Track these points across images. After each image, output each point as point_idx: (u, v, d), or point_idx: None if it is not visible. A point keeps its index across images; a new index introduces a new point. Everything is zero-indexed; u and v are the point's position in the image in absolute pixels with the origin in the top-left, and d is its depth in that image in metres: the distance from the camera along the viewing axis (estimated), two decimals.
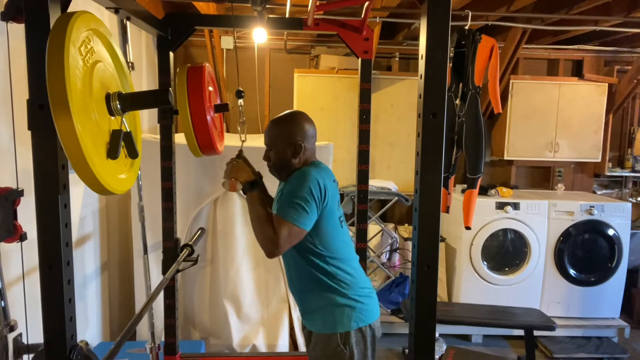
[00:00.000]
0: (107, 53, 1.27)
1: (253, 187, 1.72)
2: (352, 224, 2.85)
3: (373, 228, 4.10)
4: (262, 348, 3.14)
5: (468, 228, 2.75)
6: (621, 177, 4.77)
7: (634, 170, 4.64)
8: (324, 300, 1.72)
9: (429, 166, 1.16)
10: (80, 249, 2.67)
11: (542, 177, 4.81)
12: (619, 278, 3.82)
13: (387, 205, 4.00)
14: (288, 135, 1.73)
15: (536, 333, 2.72)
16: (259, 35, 3.93)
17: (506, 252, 3.87)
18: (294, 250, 1.69)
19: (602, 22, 3.34)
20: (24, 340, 1.55)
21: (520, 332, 2.55)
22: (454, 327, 3.73)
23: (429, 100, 1.14)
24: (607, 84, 4.29)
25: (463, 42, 2.63)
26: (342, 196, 4.02)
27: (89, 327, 2.84)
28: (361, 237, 2.55)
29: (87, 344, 1.38)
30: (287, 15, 2.67)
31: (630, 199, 4.66)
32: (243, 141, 1.91)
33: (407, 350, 3.48)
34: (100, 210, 2.94)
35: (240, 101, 1.99)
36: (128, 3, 1.70)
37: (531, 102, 4.27)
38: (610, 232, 3.77)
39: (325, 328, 1.72)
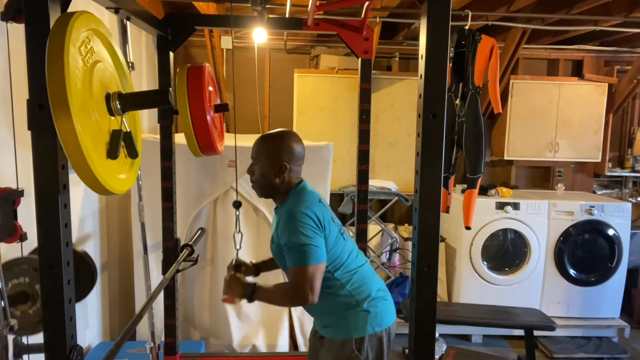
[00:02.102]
0: (107, 53, 1.27)
1: (253, 291, 1.70)
2: (352, 224, 2.85)
3: (373, 228, 4.10)
4: (262, 348, 3.14)
5: (468, 228, 2.75)
6: (621, 177, 4.77)
7: (634, 170, 4.64)
8: (338, 311, 1.72)
9: (429, 166, 1.16)
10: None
11: (542, 177, 4.81)
12: (619, 278, 3.82)
13: (387, 205, 4.01)
14: (275, 153, 1.71)
15: (536, 333, 2.72)
16: (259, 35, 3.93)
17: (506, 252, 3.87)
18: None
19: (602, 22, 3.34)
20: (24, 340, 1.55)
21: (520, 332, 2.55)
22: (454, 327, 3.73)
23: (429, 100, 1.14)
24: (607, 84, 4.29)
25: (463, 42, 2.63)
26: (342, 196, 4.02)
27: (89, 327, 2.84)
28: (361, 237, 2.55)
29: (84, 251, 1.41)
30: (287, 15, 2.67)
31: (630, 199, 4.66)
32: (238, 249, 1.91)
33: (407, 350, 3.48)
34: (100, 210, 2.94)
35: (237, 211, 1.99)
36: (128, 3, 1.70)
37: (531, 102, 4.27)
38: (610, 232, 3.76)
39: (339, 334, 1.71)
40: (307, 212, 1.62)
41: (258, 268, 2.01)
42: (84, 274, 1.48)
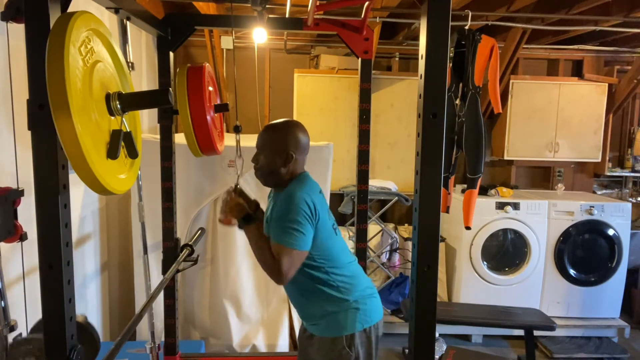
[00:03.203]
0: (107, 53, 1.27)
1: (248, 221, 1.70)
2: (352, 224, 2.84)
3: (373, 228, 4.10)
4: (262, 348, 3.14)
5: (468, 228, 2.75)
6: (621, 177, 4.77)
7: (634, 170, 4.64)
8: (327, 307, 1.72)
9: (429, 166, 1.16)
10: (80, 249, 2.67)
11: (542, 177, 4.81)
12: (619, 278, 3.82)
13: (387, 205, 4.00)
14: (281, 143, 1.72)
15: (536, 333, 2.72)
16: (259, 35, 3.93)
17: (506, 252, 3.87)
18: None
19: (602, 22, 3.34)
20: None
21: (520, 332, 2.55)
22: (454, 327, 3.73)
23: (429, 100, 1.14)
24: (607, 84, 4.29)
25: (463, 42, 2.63)
26: (341, 196, 4.02)
27: None
28: (361, 237, 2.55)
29: (85, 317, 1.41)
30: (287, 15, 2.67)
31: (630, 199, 4.66)
32: (239, 175, 1.90)
33: (407, 350, 3.48)
34: (100, 210, 2.94)
35: (238, 136, 1.98)
36: (128, 3, 1.70)
37: (531, 102, 4.27)
38: (610, 232, 3.76)
39: (329, 332, 1.72)
40: (306, 198, 1.63)
41: (257, 206, 1.97)
42: (86, 346, 1.46)
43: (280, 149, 1.71)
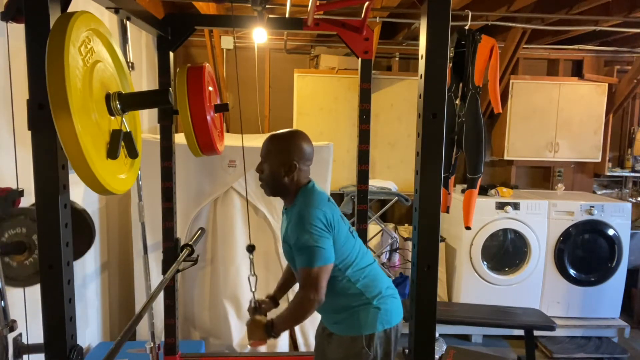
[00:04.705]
0: (107, 53, 1.27)
1: (272, 327, 1.72)
2: (352, 224, 2.85)
3: (373, 228, 4.10)
4: (262, 348, 3.13)
5: (468, 228, 2.75)
6: (621, 177, 4.77)
7: (634, 170, 4.64)
8: (348, 307, 1.73)
9: (429, 166, 1.16)
10: None
11: (542, 177, 4.81)
12: (619, 278, 3.82)
13: (387, 205, 4.01)
14: (285, 153, 1.72)
15: (536, 333, 2.72)
16: (259, 35, 3.93)
17: (506, 252, 3.87)
18: None
19: (602, 22, 3.34)
20: (24, 340, 1.55)
21: (520, 332, 2.56)
22: (454, 327, 3.72)
23: (429, 100, 1.14)
24: (607, 84, 4.29)
25: (463, 42, 2.63)
26: (342, 196, 4.02)
27: (89, 327, 2.84)
28: (361, 237, 2.55)
29: (83, 208, 1.39)
30: (287, 15, 2.67)
31: (630, 199, 4.66)
32: (253, 291, 1.95)
33: (407, 350, 3.48)
34: (100, 210, 2.94)
35: (251, 255, 2.04)
36: (128, 3, 1.70)
37: (531, 102, 4.27)
38: (610, 232, 3.76)
39: (349, 330, 1.73)
40: (317, 213, 1.63)
41: (275, 299, 2.02)
42: (82, 233, 1.47)
43: (284, 159, 1.71)
